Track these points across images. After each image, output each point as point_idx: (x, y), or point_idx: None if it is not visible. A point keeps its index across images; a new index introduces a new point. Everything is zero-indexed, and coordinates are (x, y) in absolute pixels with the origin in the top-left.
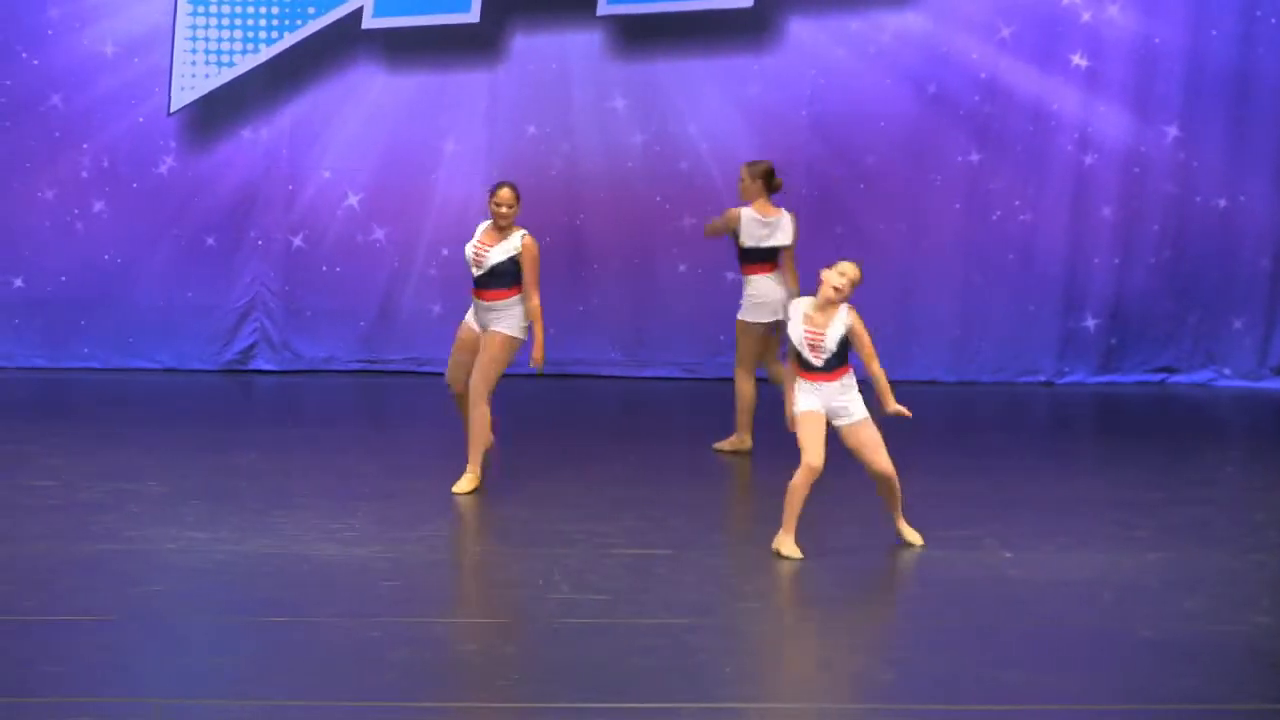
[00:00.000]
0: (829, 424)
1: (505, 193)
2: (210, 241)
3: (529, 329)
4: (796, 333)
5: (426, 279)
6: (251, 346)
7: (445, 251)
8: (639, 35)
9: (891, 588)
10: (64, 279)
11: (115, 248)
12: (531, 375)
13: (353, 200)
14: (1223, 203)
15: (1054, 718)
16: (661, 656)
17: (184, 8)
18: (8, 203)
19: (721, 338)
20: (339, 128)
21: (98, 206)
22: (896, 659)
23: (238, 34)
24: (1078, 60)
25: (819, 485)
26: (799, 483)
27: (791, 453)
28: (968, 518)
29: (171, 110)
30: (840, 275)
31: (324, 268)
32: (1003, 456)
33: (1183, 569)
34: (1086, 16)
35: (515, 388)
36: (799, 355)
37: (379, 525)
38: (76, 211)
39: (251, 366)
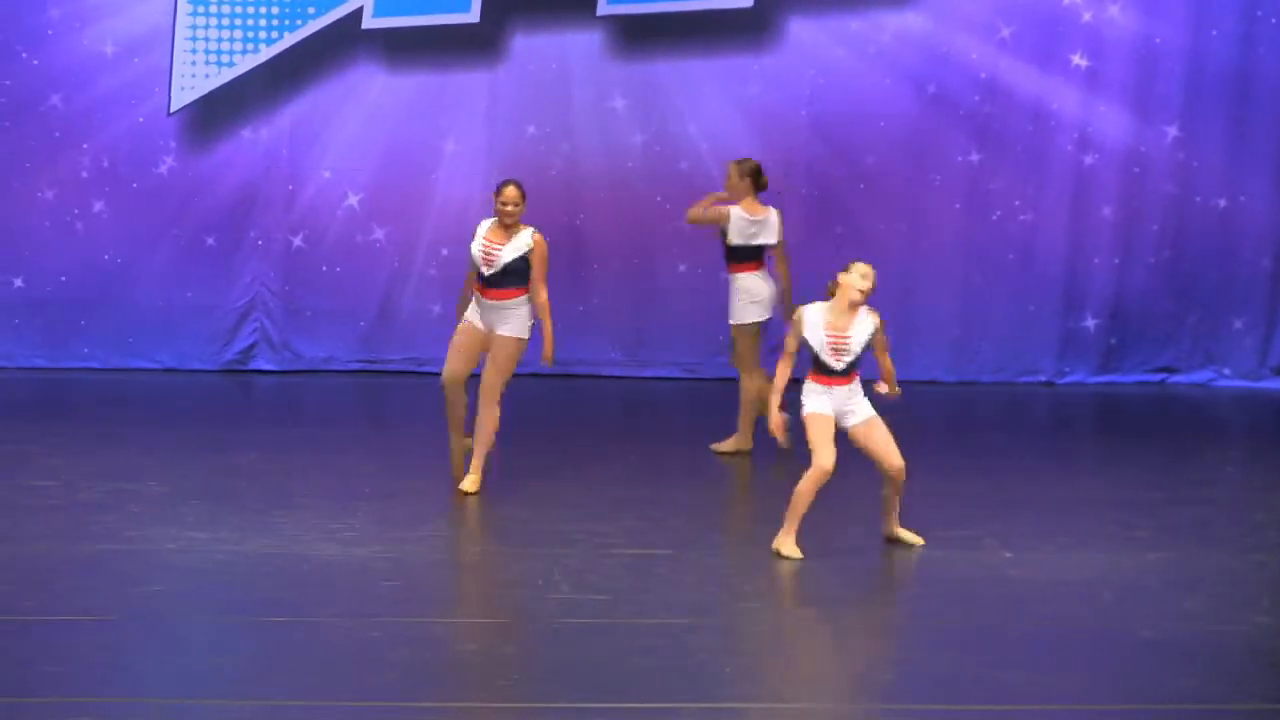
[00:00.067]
0: (836, 426)
1: (511, 191)
2: (210, 241)
3: (534, 327)
4: (817, 338)
5: (426, 279)
6: (251, 346)
7: (445, 251)
8: (639, 35)
9: (891, 588)
10: (64, 279)
11: (115, 248)
12: (531, 375)
13: (353, 200)
14: (1223, 203)
15: (1054, 718)
16: (661, 656)
17: (184, 8)
18: (8, 203)
19: (721, 338)
20: (339, 128)
21: (98, 206)
22: (896, 659)
23: (238, 34)
24: (1078, 60)
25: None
26: (807, 485)
27: (792, 453)
28: (968, 518)
29: (171, 110)
30: (863, 279)
31: (324, 268)
32: (1003, 456)
33: (1183, 569)
34: (1087, 16)
35: (515, 387)
36: (816, 359)
37: (379, 525)
38: (76, 211)
39: (251, 366)
